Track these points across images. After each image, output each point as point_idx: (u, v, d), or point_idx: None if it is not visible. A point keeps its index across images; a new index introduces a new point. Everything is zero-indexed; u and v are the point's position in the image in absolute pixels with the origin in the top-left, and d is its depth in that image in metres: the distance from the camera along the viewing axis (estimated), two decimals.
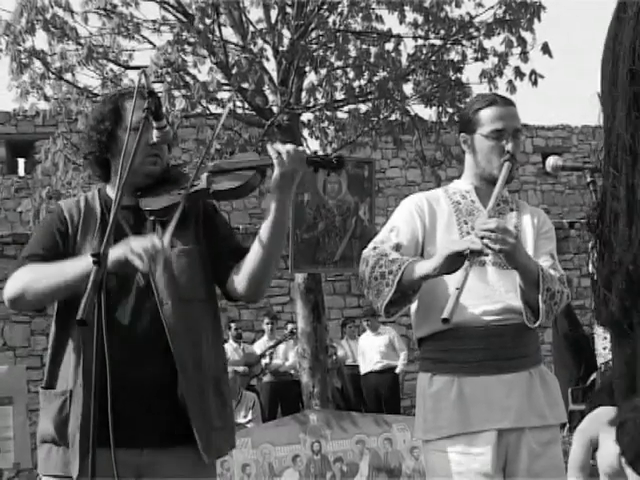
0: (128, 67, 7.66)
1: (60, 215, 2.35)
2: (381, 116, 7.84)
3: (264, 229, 2.26)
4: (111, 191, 2.38)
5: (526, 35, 7.65)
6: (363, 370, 10.17)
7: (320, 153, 2.39)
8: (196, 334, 2.29)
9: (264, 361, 9.56)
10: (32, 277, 2.22)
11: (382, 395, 9.95)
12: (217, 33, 7.19)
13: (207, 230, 2.39)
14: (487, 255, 2.48)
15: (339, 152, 7.81)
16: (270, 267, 2.31)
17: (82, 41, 7.20)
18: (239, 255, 2.33)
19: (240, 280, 2.31)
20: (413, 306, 2.64)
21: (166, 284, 2.26)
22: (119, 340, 2.09)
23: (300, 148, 2.26)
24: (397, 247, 2.55)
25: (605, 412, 1.30)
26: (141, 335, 2.22)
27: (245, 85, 7.24)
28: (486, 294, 2.53)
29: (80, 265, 2.12)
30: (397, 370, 10.11)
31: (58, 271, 2.19)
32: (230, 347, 9.28)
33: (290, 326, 9.74)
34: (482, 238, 2.34)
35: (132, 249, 2.04)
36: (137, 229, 2.32)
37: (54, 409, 2.23)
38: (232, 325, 9.76)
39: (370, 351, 10.08)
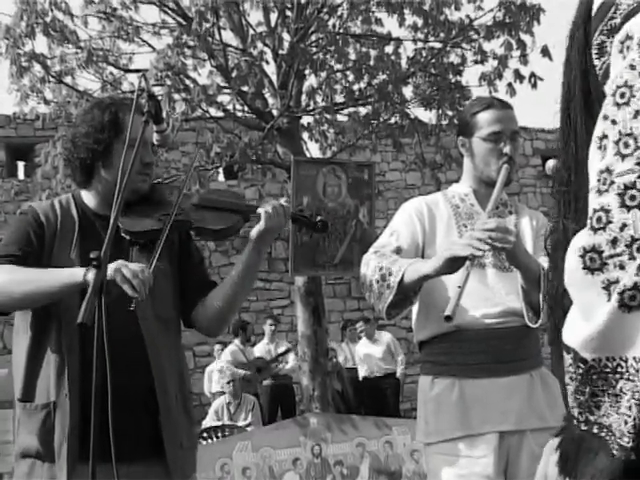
0: (128, 70, 7.69)
1: (36, 217, 2.26)
2: (381, 119, 7.86)
3: (237, 272, 2.32)
4: (88, 198, 2.35)
5: (526, 38, 7.67)
6: (362, 376, 10.15)
7: (307, 213, 2.46)
8: (172, 350, 2.29)
9: (280, 366, 9.53)
10: (9, 279, 2.10)
11: (385, 399, 9.93)
12: (217, 36, 7.21)
13: (181, 255, 2.39)
14: (486, 256, 2.49)
15: (339, 157, 7.83)
16: (236, 307, 2.43)
17: (82, 44, 7.22)
18: (206, 288, 2.39)
19: (205, 315, 2.36)
20: (414, 310, 2.65)
21: (146, 299, 2.20)
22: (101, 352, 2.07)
23: (285, 204, 2.31)
24: (398, 251, 2.56)
25: None
26: (122, 349, 2.11)
27: (245, 88, 7.26)
28: (486, 297, 2.53)
29: (66, 275, 2.07)
30: (397, 375, 10.10)
31: (41, 277, 2.10)
32: (234, 348, 9.28)
33: (287, 344, 9.79)
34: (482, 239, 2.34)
35: (124, 275, 2.01)
36: (116, 242, 2.26)
37: (37, 422, 2.14)
38: (247, 327, 9.77)
39: (370, 359, 10.08)
